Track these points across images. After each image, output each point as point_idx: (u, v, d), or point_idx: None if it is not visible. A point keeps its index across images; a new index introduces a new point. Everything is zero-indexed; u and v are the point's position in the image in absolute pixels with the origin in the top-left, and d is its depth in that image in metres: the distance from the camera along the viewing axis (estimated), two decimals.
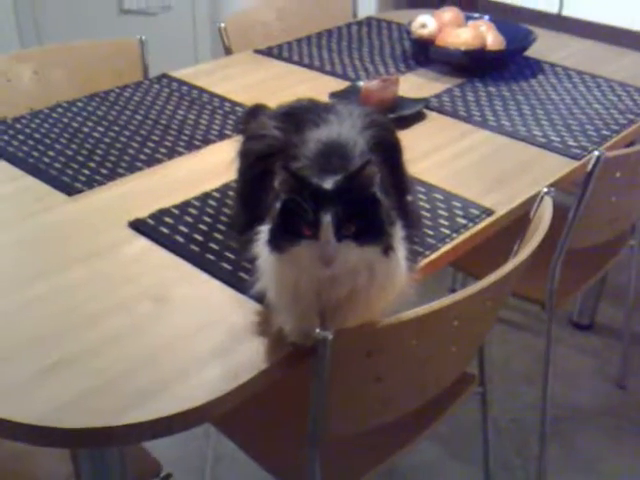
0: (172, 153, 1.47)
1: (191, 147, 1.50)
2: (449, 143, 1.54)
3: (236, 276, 1.09)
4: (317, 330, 0.89)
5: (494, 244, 1.32)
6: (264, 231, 0.91)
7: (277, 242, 0.86)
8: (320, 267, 0.83)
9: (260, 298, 1.00)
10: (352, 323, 0.90)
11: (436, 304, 0.94)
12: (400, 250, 0.90)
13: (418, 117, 1.64)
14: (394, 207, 0.94)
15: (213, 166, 1.42)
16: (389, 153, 1.11)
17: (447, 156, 1.48)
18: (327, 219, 0.81)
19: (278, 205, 0.85)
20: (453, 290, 2.32)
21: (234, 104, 1.69)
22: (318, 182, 0.84)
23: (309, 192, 0.83)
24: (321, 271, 0.83)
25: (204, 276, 1.10)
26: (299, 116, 1.11)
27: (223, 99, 1.72)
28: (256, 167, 1.11)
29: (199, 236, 1.19)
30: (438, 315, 0.95)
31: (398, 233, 0.90)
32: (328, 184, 0.84)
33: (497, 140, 1.56)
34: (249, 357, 0.93)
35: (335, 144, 1.00)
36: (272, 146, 1.09)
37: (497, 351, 2.22)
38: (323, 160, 0.96)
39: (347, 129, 1.05)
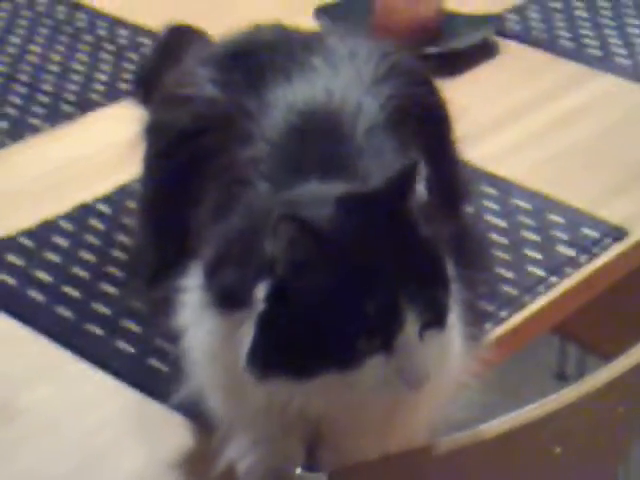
0: (18, 129, 1.48)
1: (55, 117, 1.51)
2: (541, 102, 1.56)
3: (143, 366, 1.10)
4: (298, 470, 0.90)
5: (631, 295, 1.33)
6: (195, 279, 0.92)
7: (282, 366, 0.86)
8: (399, 390, 0.86)
9: (191, 409, 1.00)
10: (369, 453, 0.91)
11: (522, 415, 0.94)
12: (452, 315, 0.92)
13: (481, 52, 1.65)
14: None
15: (96, 154, 1.43)
16: (427, 129, 1.12)
17: (537, 128, 1.50)
18: (404, 319, 0.85)
19: (267, 293, 0.86)
20: (561, 376, 2.33)
21: (135, 31, 1.70)
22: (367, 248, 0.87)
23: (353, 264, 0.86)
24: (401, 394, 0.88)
25: (82, 365, 1.11)
26: (256, 60, 1.11)
27: (114, 21, 1.73)
28: (178, 156, 1.11)
29: (72, 289, 1.20)
30: (527, 434, 0.95)
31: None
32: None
33: (634, 95, 1.58)
34: None
35: (323, 114, 1.01)
36: (205, 116, 1.09)
37: None
38: (298, 149, 0.98)
39: (346, 83, 1.06)
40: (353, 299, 0.85)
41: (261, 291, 0.86)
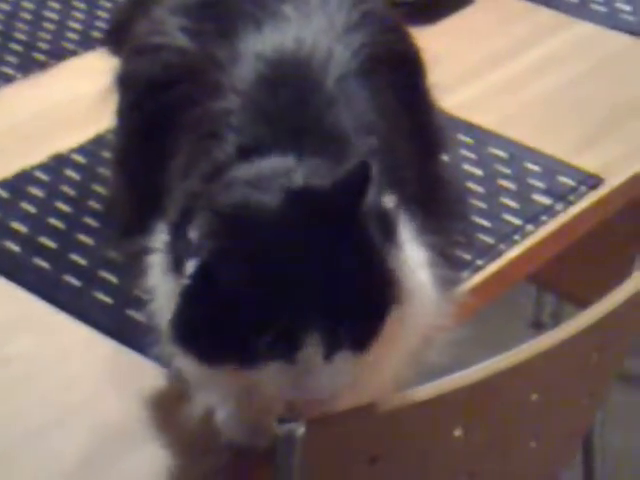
0: None
1: (28, 66, 1.50)
2: (518, 51, 1.55)
3: (120, 316, 1.11)
4: (276, 421, 0.90)
5: (606, 243, 1.34)
6: (160, 240, 0.93)
7: (193, 345, 0.87)
8: (291, 392, 0.86)
9: (167, 359, 1.00)
10: (342, 404, 0.91)
11: (499, 362, 0.95)
12: (421, 264, 0.93)
13: (457, 0, 1.64)
14: (413, 177, 0.97)
15: (70, 103, 1.42)
16: (400, 77, 1.11)
17: (514, 76, 1.50)
18: (311, 338, 0.84)
19: (194, 268, 0.86)
20: (537, 325, 2.35)
21: None
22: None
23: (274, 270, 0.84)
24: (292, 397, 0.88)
25: (59, 315, 1.11)
26: (227, 8, 1.11)
27: None
28: (149, 107, 1.11)
29: (49, 240, 1.20)
30: (503, 382, 0.96)
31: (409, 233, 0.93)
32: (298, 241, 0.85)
33: (610, 42, 1.58)
34: (149, 471, 0.95)
35: (293, 63, 1.01)
36: (175, 66, 1.09)
37: (619, 443, 2.22)
38: (268, 100, 0.97)
39: (317, 32, 1.05)
40: (264, 302, 0.84)
41: (189, 267, 0.87)
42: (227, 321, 0.85)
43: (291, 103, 0.97)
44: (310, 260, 0.85)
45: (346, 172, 0.87)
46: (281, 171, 0.90)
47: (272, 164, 0.92)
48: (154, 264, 0.94)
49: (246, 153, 0.94)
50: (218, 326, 0.86)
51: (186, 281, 0.87)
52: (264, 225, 0.86)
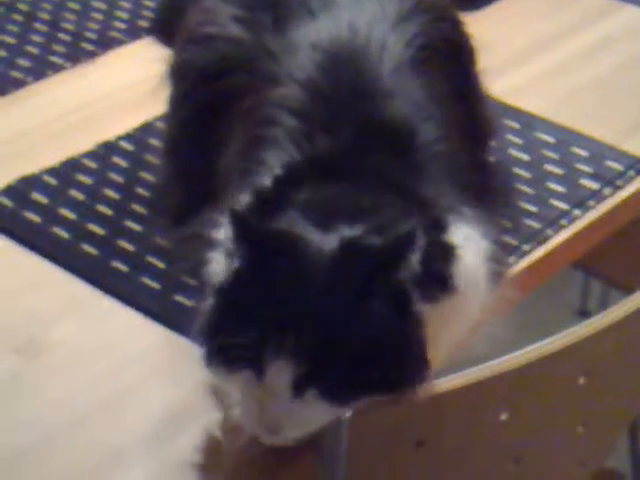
0: (40, 68, 1.48)
1: (76, 55, 1.51)
2: (567, 35, 1.55)
3: (168, 302, 1.11)
4: None
5: None
6: (224, 220, 0.92)
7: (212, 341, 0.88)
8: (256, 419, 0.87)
9: None
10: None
11: (545, 345, 0.94)
12: (473, 243, 0.93)
13: None
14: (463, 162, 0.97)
15: (118, 92, 1.43)
16: (452, 66, 1.12)
17: (562, 61, 1.49)
18: (284, 361, 0.83)
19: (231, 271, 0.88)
20: (583, 313, 2.34)
21: None
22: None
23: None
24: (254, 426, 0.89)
25: (107, 301, 1.12)
26: None
27: None
28: (203, 97, 1.12)
29: (98, 227, 1.21)
30: (549, 366, 0.96)
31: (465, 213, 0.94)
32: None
33: None
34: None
35: (349, 52, 1.01)
36: (229, 56, 1.10)
37: None
38: (328, 89, 0.98)
39: (370, 20, 1.06)
40: (257, 315, 0.86)
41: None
42: (221, 319, 0.88)
43: (350, 92, 0.98)
44: (326, 299, 0.86)
45: (394, 238, 0.86)
46: (341, 206, 0.91)
47: (335, 193, 0.93)
48: (216, 258, 0.94)
49: (308, 139, 0.95)
50: (215, 322, 0.88)
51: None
52: (297, 255, 0.87)
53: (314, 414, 0.86)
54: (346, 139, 0.94)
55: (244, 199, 0.94)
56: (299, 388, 0.84)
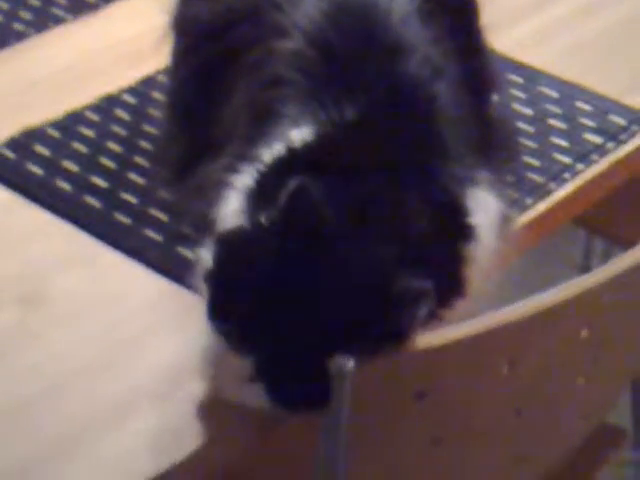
0: (42, 20, 1.47)
1: (79, 7, 1.50)
2: None
3: (172, 254, 1.11)
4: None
5: None
6: (226, 174, 0.94)
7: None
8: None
9: None
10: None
11: (548, 298, 0.95)
12: (486, 207, 0.95)
13: None
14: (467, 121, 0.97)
15: (120, 44, 1.42)
16: (455, 19, 1.11)
17: (565, 15, 1.49)
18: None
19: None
20: (586, 269, 2.33)
21: None
22: None
23: None
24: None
25: (110, 254, 1.12)
26: None
27: None
28: (207, 50, 1.12)
29: (101, 180, 1.21)
30: (551, 318, 0.96)
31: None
32: None
33: None
34: (200, 406, 0.97)
35: (356, 5, 1.01)
36: (233, 8, 1.09)
37: None
38: (335, 40, 0.97)
39: None
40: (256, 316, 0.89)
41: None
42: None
43: (361, 48, 0.97)
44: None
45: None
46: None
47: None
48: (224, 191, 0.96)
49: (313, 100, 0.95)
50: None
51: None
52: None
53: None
54: (364, 106, 0.94)
55: (271, 152, 0.95)
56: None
